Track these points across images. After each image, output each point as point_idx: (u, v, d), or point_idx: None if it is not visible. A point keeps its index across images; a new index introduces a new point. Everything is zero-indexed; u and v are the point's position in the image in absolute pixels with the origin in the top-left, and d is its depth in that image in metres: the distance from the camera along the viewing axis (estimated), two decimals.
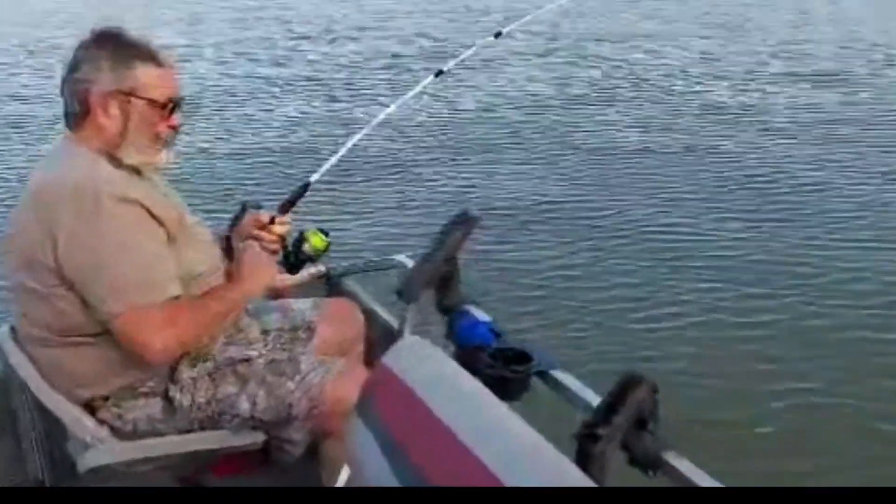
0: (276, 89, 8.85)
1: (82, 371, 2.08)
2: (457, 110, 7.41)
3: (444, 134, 7.03)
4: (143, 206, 1.99)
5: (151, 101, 2.08)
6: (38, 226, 1.97)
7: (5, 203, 5.84)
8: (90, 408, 2.11)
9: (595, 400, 1.74)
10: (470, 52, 3.17)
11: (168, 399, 2.11)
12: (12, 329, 2.19)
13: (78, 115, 2.09)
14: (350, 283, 2.87)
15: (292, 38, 10.88)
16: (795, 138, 7.07)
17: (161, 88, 2.10)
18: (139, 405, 2.11)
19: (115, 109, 2.06)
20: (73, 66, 2.09)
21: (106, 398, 2.10)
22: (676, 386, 3.48)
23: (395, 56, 9.52)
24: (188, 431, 2.13)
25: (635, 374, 1.48)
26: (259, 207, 2.75)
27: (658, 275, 4.78)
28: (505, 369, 1.85)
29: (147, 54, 2.10)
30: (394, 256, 2.78)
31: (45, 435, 2.43)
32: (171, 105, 2.12)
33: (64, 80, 2.11)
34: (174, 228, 2.06)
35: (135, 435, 2.12)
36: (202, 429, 2.14)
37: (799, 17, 11.56)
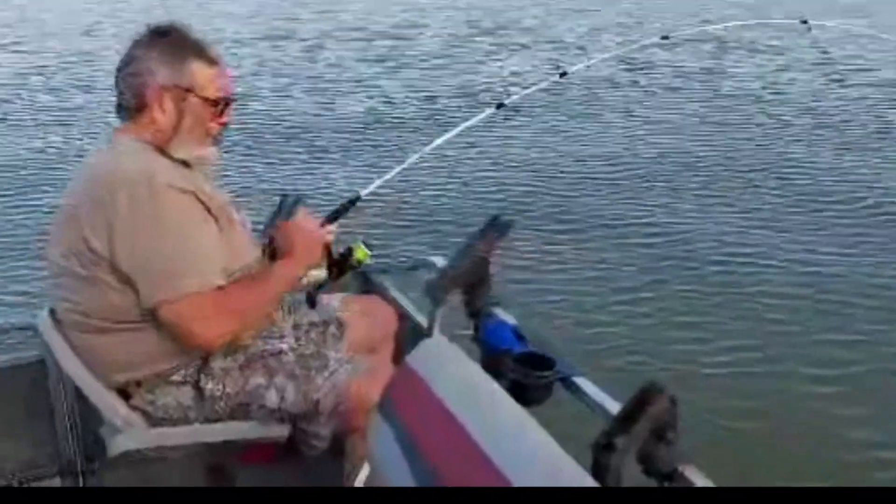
0: (345, 100, 8.84)
1: (118, 357, 2.11)
2: (512, 140, 7.32)
3: (492, 159, 6.98)
4: (197, 196, 2.04)
5: (205, 100, 2.13)
6: (92, 213, 2.01)
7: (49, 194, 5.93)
8: (124, 393, 2.15)
9: (615, 408, 1.74)
10: (533, 88, 3.22)
11: (199, 388, 2.14)
12: (52, 312, 2.23)
13: (132, 108, 2.13)
14: (384, 282, 2.89)
15: (365, 58, 10.78)
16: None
17: (215, 87, 2.15)
18: (171, 392, 2.14)
19: (170, 105, 2.11)
20: (130, 60, 2.13)
21: (139, 384, 2.14)
22: (699, 398, 3.45)
23: (462, 85, 9.36)
24: (217, 420, 2.17)
25: (655, 384, 1.48)
26: (299, 201, 2.79)
27: (688, 288, 4.76)
28: (528, 374, 1.86)
29: (204, 53, 2.15)
30: (428, 257, 2.80)
31: (80, 417, 2.48)
32: (223, 104, 2.17)
33: (119, 73, 2.15)
34: (223, 220, 2.11)
35: (165, 421, 2.16)
36: (231, 418, 2.17)
37: None
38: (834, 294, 4.68)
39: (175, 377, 2.14)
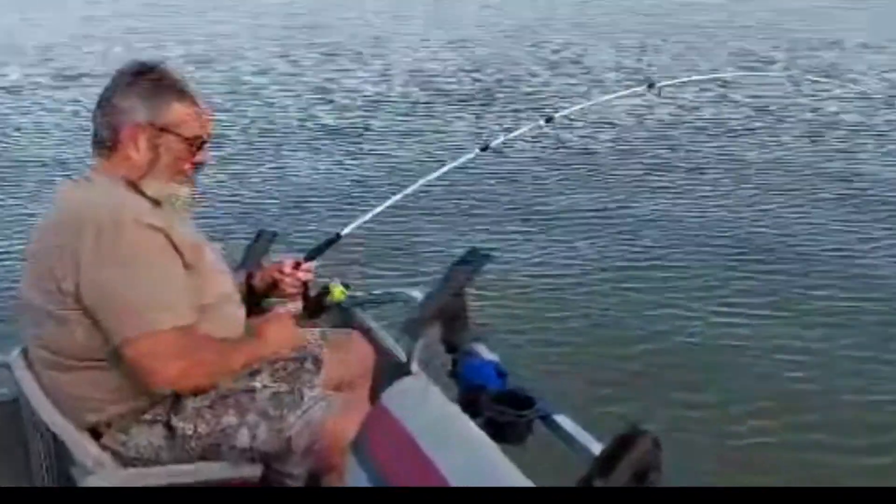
0: (325, 138, 8.75)
1: (89, 395, 2.08)
2: (498, 181, 7.24)
3: (478, 199, 6.88)
4: (165, 234, 2.03)
5: (181, 138, 2.13)
6: (60, 249, 2.00)
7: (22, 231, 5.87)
8: (95, 433, 2.11)
9: (597, 448, 1.70)
10: (518, 132, 3.23)
11: (170, 427, 2.10)
12: (24, 351, 2.22)
13: (107, 143, 2.13)
14: (362, 315, 2.86)
15: (349, 96, 10.70)
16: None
17: (193, 126, 2.16)
18: (142, 432, 2.11)
19: (144, 142, 2.12)
20: (109, 95, 2.14)
21: (109, 423, 2.10)
22: (685, 440, 3.39)
23: (449, 123, 9.26)
24: (188, 461, 2.12)
25: (636, 426, 1.44)
26: (275, 235, 2.77)
27: (673, 325, 4.69)
28: (507, 413, 1.82)
29: (183, 92, 2.16)
30: (406, 290, 2.77)
31: (54, 457, 2.43)
32: (199, 142, 2.18)
33: (98, 107, 2.16)
34: (192, 258, 2.09)
35: (136, 462, 2.11)
36: (202, 459, 2.13)
37: None
38: (825, 336, 4.61)
39: (146, 416, 2.11)
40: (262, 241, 2.69)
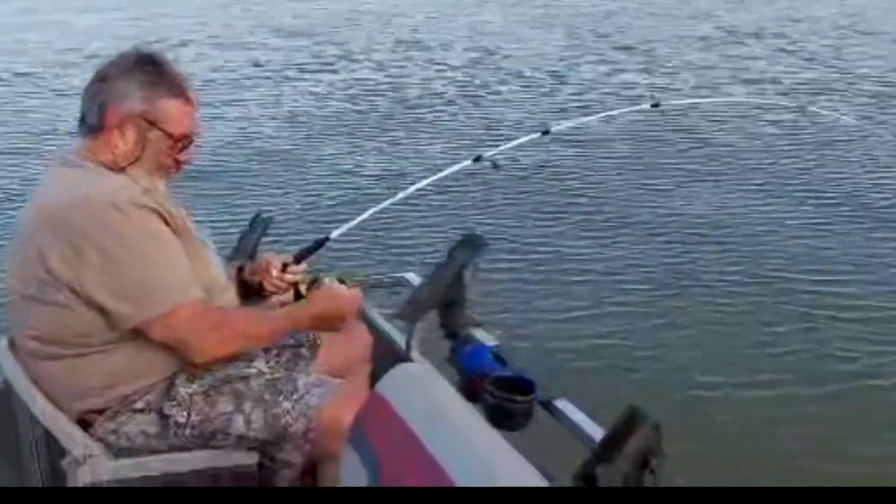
0: (323, 141, 8.54)
1: (81, 383, 2.05)
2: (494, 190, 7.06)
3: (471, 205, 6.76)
4: (158, 213, 2.01)
5: (168, 134, 2.10)
6: (55, 239, 1.97)
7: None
8: (85, 422, 2.08)
9: (598, 432, 1.68)
10: (513, 144, 3.23)
11: (163, 415, 2.07)
12: (10, 341, 2.18)
13: (94, 126, 2.10)
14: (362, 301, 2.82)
15: (344, 101, 10.47)
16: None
17: (183, 124, 2.13)
18: (134, 420, 2.07)
19: (132, 132, 2.08)
20: (104, 77, 2.10)
21: (101, 412, 2.07)
22: (683, 421, 3.35)
23: (444, 135, 9.03)
24: (182, 449, 2.09)
25: (637, 411, 1.41)
26: (270, 221, 2.73)
27: (669, 305, 4.68)
28: (507, 398, 1.79)
29: (178, 88, 2.13)
30: (403, 274, 2.73)
31: (44, 448, 2.40)
32: (186, 141, 2.15)
33: (89, 88, 2.12)
34: (186, 237, 2.07)
35: (128, 451, 2.08)
36: (196, 447, 2.09)
37: None
38: (825, 313, 4.59)
39: (138, 404, 2.07)
40: (258, 227, 2.65)
